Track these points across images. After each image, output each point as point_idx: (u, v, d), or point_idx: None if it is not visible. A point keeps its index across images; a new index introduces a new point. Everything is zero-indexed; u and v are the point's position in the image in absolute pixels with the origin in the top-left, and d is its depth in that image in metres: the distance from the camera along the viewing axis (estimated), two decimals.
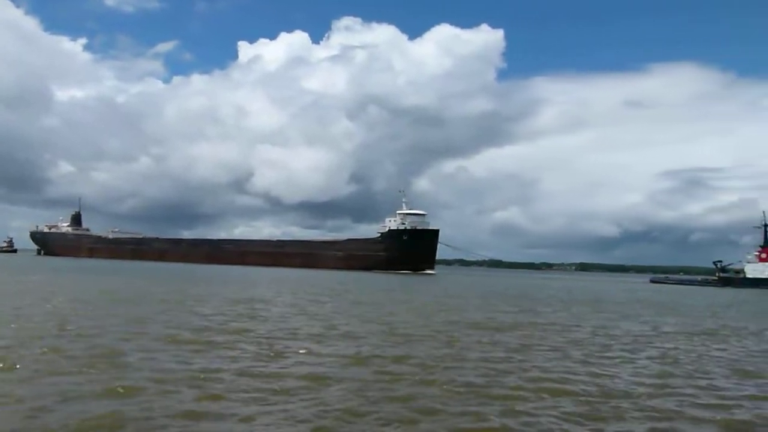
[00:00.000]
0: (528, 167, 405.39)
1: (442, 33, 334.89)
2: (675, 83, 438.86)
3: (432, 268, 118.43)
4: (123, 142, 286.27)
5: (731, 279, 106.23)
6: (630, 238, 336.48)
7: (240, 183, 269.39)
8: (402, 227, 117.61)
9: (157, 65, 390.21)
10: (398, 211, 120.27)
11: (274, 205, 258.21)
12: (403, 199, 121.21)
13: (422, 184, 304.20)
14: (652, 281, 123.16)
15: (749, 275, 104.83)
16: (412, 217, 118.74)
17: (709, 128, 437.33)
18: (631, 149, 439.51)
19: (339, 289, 44.20)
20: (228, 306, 26.66)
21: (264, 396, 10.54)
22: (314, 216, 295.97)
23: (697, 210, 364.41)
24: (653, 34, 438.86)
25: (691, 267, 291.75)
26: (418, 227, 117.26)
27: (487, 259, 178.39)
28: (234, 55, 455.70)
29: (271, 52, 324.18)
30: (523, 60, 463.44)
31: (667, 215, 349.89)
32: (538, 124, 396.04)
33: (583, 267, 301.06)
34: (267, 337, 17.18)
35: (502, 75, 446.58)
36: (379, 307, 29.73)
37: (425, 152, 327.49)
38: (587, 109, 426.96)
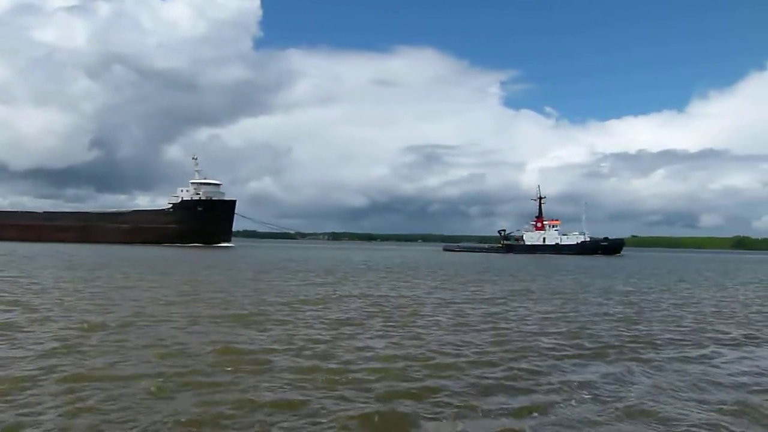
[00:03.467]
0: (282, 138, 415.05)
1: None
2: (417, 66, 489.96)
3: (229, 240, 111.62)
4: None
5: (513, 246, 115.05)
6: (376, 208, 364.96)
7: None
8: (196, 197, 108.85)
9: None
10: (191, 181, 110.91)
11: None
12: (196, 168, 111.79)
13: (173, 151, 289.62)
14: (445, 249, 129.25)
15: (527, 242, 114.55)
16: (207, 186, 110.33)
17: (445, 109, 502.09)
18: (378, 125, 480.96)
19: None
20: None
21: None
22: (50, 184, 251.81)
23: (434, 183, 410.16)
24: (399, 17, 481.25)
25: (428, 234, 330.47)
26: (213, 198, 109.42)
27: (241, 231, 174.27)
28: None
29: None
30: (279, 31, 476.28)
31: (408, 187, 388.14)
32: (293, 95, 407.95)
33: (335, 236, 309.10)
34: None
35: (259, 44, 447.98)
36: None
37: (177, 119, 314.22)
38: (339, 84, 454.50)
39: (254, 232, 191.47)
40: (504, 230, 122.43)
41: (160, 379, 9.67)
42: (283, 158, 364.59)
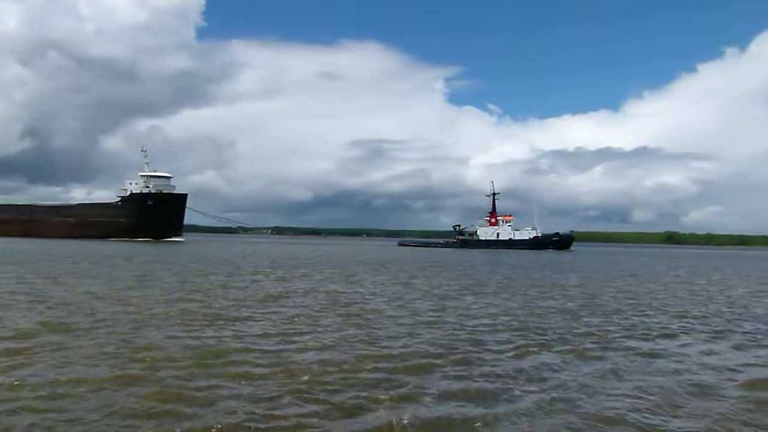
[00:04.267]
0: (225, 130, 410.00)
1: None
2: (362, 60, 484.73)
3: (180, 235, 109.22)
4: None
5: (468, 241, 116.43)
6: (321, 202, 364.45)
7: None
8: (146, 191, 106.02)
9: None
10: (141, 173, 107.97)
11: None
12: (146, 160, 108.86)
13: (113, 142, 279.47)
14: (400, 244, 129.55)
15: (481, 237, 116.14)
16: (157, 179, 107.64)
17: (390, 104, 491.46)
18: (323, 118, 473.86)
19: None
20: None
21: None
22: None
23: (378, 178, 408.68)
24: (344, 11, 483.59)
25: (373, 229, 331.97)
26: (164, 191, 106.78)
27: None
28: None
29: None
30: (223, 21, 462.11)
31: (353, 182, 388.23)
32: (236, 87, 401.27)
33: (279, 230, 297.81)
34: None
35: (202, 34, 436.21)
36: None
37: (116, 109, 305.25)
38: (285, 77, 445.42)
39: (195, 226, 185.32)
40: (459, 225, 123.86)
41: (105, 383, 9.33)
42: (226, 151, 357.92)
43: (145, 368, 10.25)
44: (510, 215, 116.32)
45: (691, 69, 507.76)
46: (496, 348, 13.09)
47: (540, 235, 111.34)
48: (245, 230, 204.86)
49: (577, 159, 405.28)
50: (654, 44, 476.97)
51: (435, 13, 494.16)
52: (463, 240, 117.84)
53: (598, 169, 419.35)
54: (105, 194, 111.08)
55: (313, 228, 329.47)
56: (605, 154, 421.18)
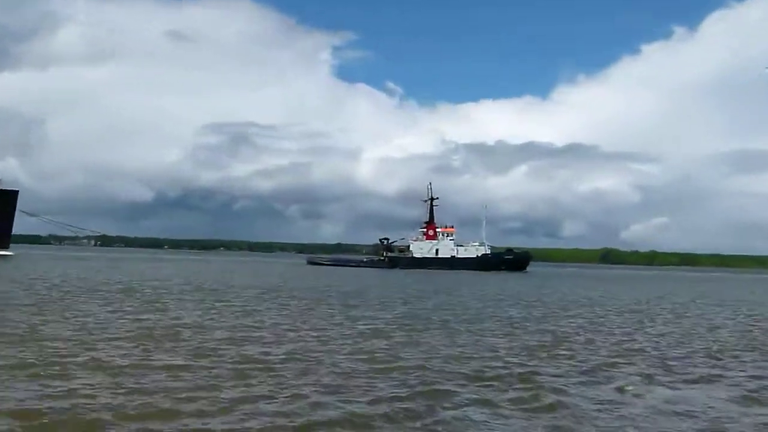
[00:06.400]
0: (33, 104, 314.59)
1: None
2: (227, 19, 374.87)
3: (6, 246, 79.49)
4: None
5: (398, 259, 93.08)
6: (165, 204, 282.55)
7: None
8: None
9: None
10: None
11: None
12: None
13: None
14: (310, 262, 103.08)
15: (416, 255, 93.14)
16: None
17: (262, 77, 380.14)
18: (171, 93, 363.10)
19: None
20: None
21: None
22: None
23: (242, 172, 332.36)
24: None
25: (231, 241, 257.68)
26: None
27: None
28: None
29: None
30: None
31: (209, 177, 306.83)
32: (51, 47, 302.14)
33: (106, 241, 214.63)
34: None
35: None
36: None
37: None
38: (119, 37, 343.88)
39: None
40: (386, 239, 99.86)
41: None
42: (33, 132, 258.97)
43: None
44: (452, 227, 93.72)
45: (635, 50, 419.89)
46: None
47: (490, 252, 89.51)
48: (59, 240, 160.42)
49: (497, 156, 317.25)
50: (593, 20, 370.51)
51: None
52: (391, 258, 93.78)
53: (522, 168, 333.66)
54: None
55: (154, 238, 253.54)
56: (530, 151, 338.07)
